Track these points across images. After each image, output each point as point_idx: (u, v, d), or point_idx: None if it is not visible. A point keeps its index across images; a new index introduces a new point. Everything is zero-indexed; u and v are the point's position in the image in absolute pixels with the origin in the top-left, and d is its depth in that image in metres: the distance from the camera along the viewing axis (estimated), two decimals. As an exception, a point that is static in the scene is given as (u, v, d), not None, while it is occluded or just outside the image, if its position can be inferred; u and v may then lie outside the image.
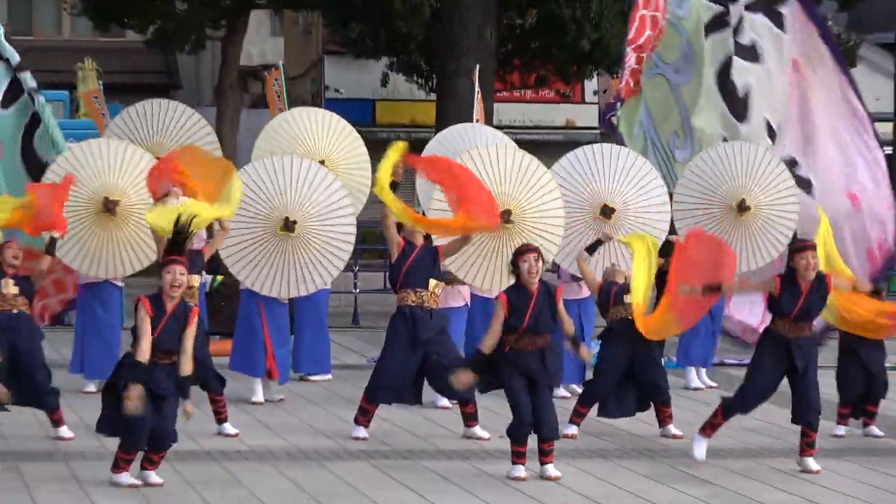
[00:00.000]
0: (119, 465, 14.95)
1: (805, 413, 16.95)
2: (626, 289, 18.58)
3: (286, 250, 19.48)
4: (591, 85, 53.75)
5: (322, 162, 21.34)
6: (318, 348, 22.05)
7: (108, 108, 29.82)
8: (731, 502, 15.21)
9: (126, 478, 14.93)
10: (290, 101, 27.36)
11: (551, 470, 15.85)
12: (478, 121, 26.90)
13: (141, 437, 14.73)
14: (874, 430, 18.76)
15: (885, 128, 43.97)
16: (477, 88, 28.31)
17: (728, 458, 17.48)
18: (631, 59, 24.70)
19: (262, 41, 55.68)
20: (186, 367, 14.94)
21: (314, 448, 17.56)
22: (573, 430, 18.55)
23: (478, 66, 31.41)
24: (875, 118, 34.65)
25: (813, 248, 17.83)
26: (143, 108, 22.96)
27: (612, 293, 18.73)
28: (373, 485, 15.54)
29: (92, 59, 46.22)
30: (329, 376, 22.15)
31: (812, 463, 16.68)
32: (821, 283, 17.50)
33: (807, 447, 16.79)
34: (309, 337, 21.66)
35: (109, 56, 52.23)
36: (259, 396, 20.25)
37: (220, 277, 23.09)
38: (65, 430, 17.70)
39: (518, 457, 16.19)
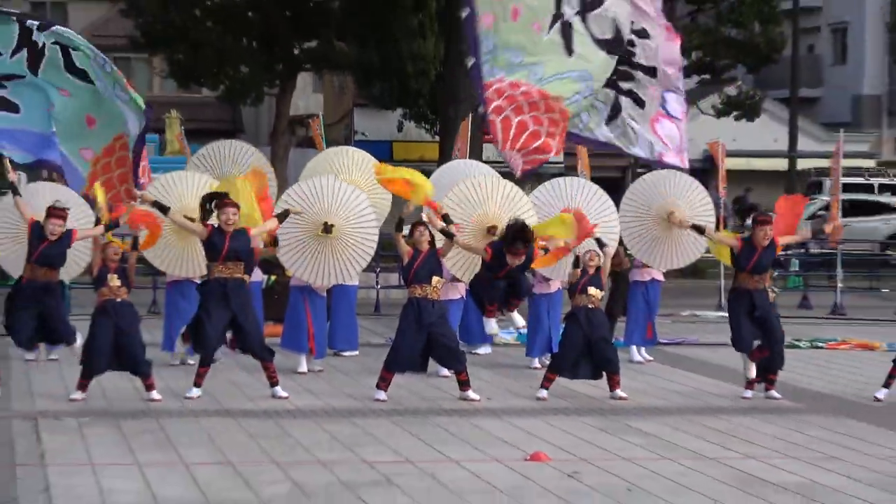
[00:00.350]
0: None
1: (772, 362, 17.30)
2: (590, 281, 18.68)
3: (325, 248, 19.61)
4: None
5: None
6: (348, 330, 22.08)
7: (189, 148, 29.81)
8: (664, 448, 15.22)
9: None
10: (328, 142, 27.34)
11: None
12: (457, 155, 27.14)
13: None
14: (773, 394, 18.72)
15: (783, 164, 43.94)
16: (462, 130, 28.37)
17: (663, 415, 17.49)
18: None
19: (306, 96, 55.41)
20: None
21: (345, 407, 17.67)
22: (544, 393, 18.63)
23: (470, 114, 31.37)
24: (772, 155, 34.53)
25: (770, 222, 18.80)
26: (217, 147, 23.10)
27: (579, 284, 18.78)
28: (391, 436, 15.68)
29: (176, 110, 46.14)
30: (357, 352, 22.10)
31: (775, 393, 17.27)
32: (770, 246, 18.50)
33: (770, 384, 17.39)
34: (341, 321, 21.69)
35: (188, 108, 52.06)
36: (303, 367, 20.30)
37: (273, 277, 23.09)
38: (155, 394, 17.77)
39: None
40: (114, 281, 17.96)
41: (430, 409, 17.09)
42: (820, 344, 24.71)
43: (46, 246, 18.40)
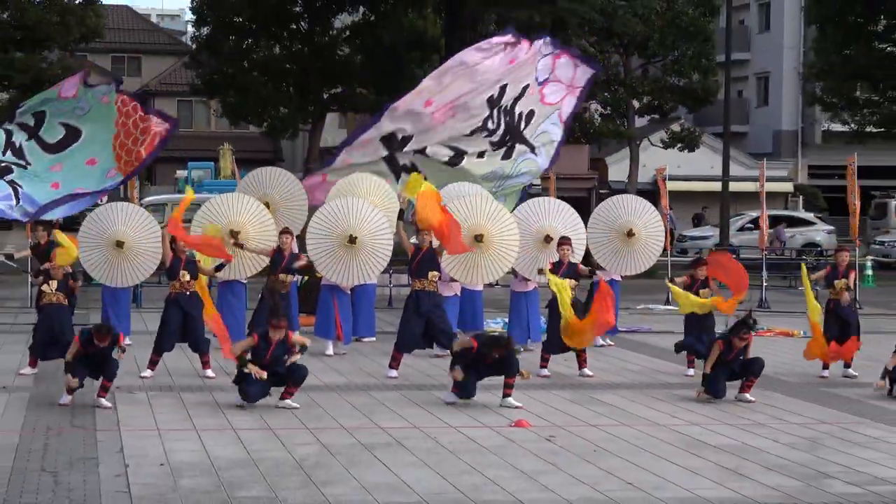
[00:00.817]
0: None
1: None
2: (565, 274, 18.52)
3: (350, 256, 19.52)
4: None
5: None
6: (368, 320, 21.92)
7: (240, 173, 29.72)
8: (623, 416, 15.16)
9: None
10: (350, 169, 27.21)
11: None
12: None
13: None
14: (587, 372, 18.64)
15: (717, 186, 43.76)
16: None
17: (622, 389, 17.37)
18: None
19: (333, 131, 55.36)
20: None
21: (364, 383, 17.58)
22: (546, 371, 18.49)
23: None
24: (709, 179, 34.43)
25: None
26: (261, 173, 22.94)
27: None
28: (400, 406, 15.64)
29: (228, 142, 46.03)
30: (374, 338, 21.96)
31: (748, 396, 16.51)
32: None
33: (746, 387, 16.55)
34: (362, 313, 21.55)
35: (238, 141, 52.00)
36: (330, 351, 20.12)
37: (306, 277, 22.97)
38: (210, 372, 17.65)
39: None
40: (185, 276, 17.93)
41: (433, 385, 16.96)
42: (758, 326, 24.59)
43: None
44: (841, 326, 18.95)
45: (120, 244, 19.97)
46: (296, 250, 20.42)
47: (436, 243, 18.60)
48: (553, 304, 18.33)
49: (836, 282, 19.24)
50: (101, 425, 13.92)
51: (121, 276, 20.54)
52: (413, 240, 19.19)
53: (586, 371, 18.50)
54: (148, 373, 17.47)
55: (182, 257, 18.13)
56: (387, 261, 20.83)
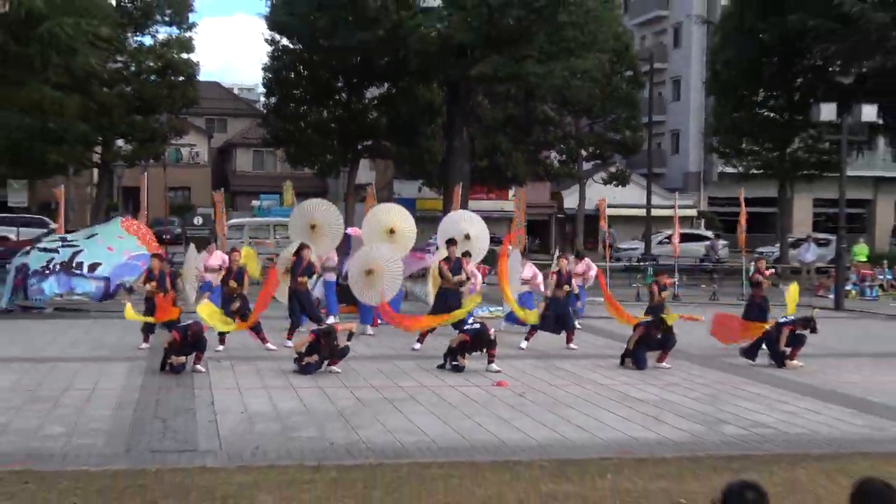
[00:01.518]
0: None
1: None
2: (564, 281, 18.59)
3: (369, 283, 19.25)
4: (511, 193, 53.50)
5: (392, 230, 21.23)
6: (395, 310, 21.64)
7: (297, 202, 29.65)
8: (574, 379, 15.14)
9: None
10: (378, 200, 27.15)
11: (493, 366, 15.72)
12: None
13: None
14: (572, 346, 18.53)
15: (643, 212, 43.73)
16: (454, 193, 28.27)
17: (573, 359, 17.31)
18: None
19: (365, 172, 55.37)
20: None
21: (388, 354, 17.56)
22: (525, 344, 18.36)
23: (461, 183, 31.31)
24: (636, 206, 34.42)
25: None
26: (311, 202, 22.83)
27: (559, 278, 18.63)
28: (414, 371, 15.62)
29: (290, 181, 46.08)
30: None
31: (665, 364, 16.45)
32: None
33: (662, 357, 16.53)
34: (392, 305, 21.12)
35: (297, 180, 52.01)
36: (370, 331, 20.03)
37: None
38: (270, 345, 17.58)
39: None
40: (233, 284, 17.89)
41: (438, 356, 16.87)
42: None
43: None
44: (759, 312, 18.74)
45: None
46: (314, 260, 20.20)
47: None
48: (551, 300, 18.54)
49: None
50: (198, 385, 13.92)
51: None
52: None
53: (572, 346, 18.42)
54: (220, 347, 17.31)
55: (233, 268, 18.29)
56: (398, 287, 20.05)
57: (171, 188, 60.09)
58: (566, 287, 18.67)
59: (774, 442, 11.09)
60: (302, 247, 19.16)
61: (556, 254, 22.49)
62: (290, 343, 17.39)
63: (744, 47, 40.11)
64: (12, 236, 39.18)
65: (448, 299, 18.76)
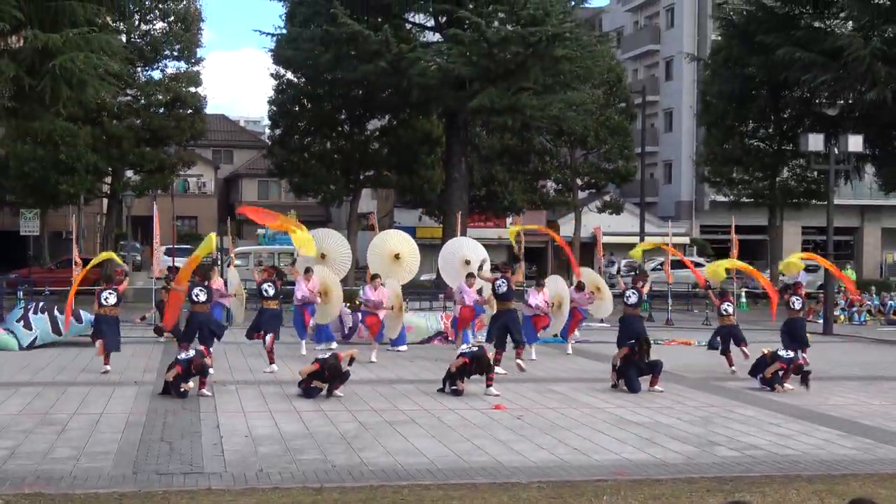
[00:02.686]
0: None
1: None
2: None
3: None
4: (508, 221, 53.50)
5: (397, 255, 21.23)
6: (402, 334, 21.49)
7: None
8: (569, 402, 15.08)
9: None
10: (380, 228, 27.15)
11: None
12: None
13: None
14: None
15: (636, 239, 43.68)
16: (459, 220, 28.27)
17: (568, 382, 17.27)
18: None
19: (367, 200, 55.37)
20: None
21: (389, 378, 17.48)
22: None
23: (460, 212, 31.34)
24: (630, 234, 34.41)
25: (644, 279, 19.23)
26: (319, 231, 22.92)
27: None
28: (413, 395, 15.54)
29: (294, 209, 46.08)
30: (405, 348, 21.56)
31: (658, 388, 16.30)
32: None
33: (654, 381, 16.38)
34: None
35: (302, 208, 52.13)
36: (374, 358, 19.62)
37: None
38: (274, 367, 17.55)
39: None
40: (269, 293, 18.07)
41: (437, 380, 16.80)
42: (660, 341, 24.45)
43: None
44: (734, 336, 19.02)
45: None
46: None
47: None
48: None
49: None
50: (203, 408, 13.87)
51: None
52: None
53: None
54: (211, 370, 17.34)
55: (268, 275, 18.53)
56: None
57: (178, 217, 60.11)
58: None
59: (766, 464, 11.03)
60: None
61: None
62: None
63: (733, 81, 40.23)
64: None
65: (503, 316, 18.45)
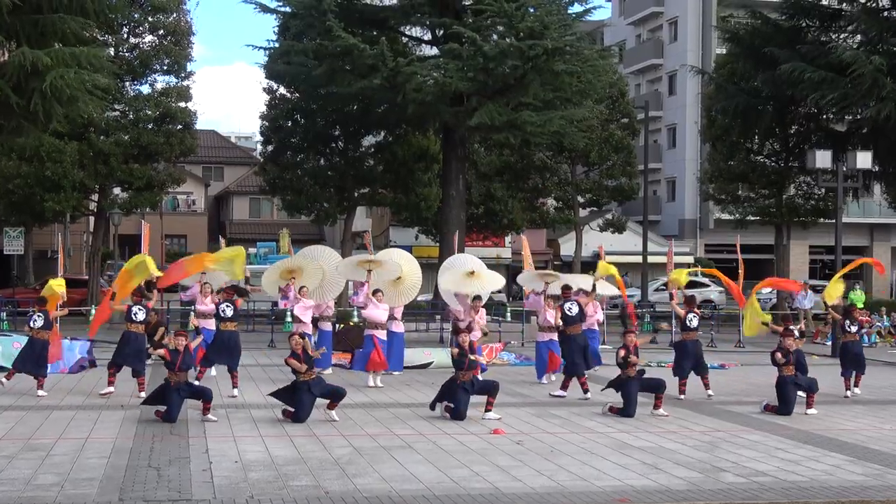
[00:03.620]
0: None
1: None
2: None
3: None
4: (507, 240, 53.58)
5: (398, 276, 21.21)
6: (398, 359, 21.28)
7: (293, 249, 29.59)
8: (571, 426, 15.07)
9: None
10: (375, 248, 27.09)
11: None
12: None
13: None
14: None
15: (639, 258, 43.77)
16: (455, 240, 28.23)
17: (569, 406, 17.24)
18: None
19: (362, 219, 55.36)
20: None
21: (384, 402, 17.44)
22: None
23: (457, 231, 31.36)
24: (633, 254, 34.41)
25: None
26: (315, 248, 22.93)
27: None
28: (409, 419, 15.51)
29: (286, 228, 46.10)
30: (401, 372, 21.44)
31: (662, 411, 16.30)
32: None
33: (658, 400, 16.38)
34: (394, 353, 20.76)
35: (294, 226, 52.15)
36: (371, 383, 19.53)
37: (341, 325, 22.83)
38: (235, 392, 17.63)
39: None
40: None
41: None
42: (663, 364, 24.41)
43: None
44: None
45: None
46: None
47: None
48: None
49: None
50: (192, 433, 13.84)
51: None
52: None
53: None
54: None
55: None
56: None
57: (167, 236, 60.12)
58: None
59: (774, 490, 11.02)
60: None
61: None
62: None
63: (738, 95, 40.38)
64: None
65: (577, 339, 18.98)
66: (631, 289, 49.58)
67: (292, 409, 15.02)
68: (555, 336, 20.14)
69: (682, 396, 18.23)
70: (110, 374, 17.72)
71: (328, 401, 15.09)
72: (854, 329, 19.78)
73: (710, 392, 18.59)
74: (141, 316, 17.60)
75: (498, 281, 22.06)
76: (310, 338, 20.11)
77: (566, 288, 20.45)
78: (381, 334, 19.74)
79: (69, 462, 11.73)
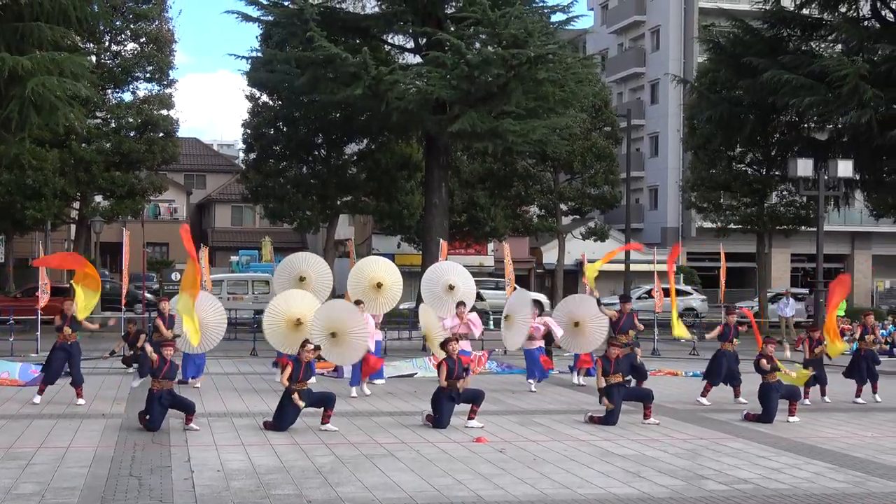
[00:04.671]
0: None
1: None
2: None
3: (335, 345, 18.32)
4: (490, 248, 53.59)
5: (379, 284, 21.13)
6: (378, 370, 21.22)
7: (275, 257, 29.57)
8: (553, 434, 15.07)
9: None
10: (358, 256, 27.08)
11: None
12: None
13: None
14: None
15: (622, 267, 43.86)
16: (442, 247, 28.23)
17: (551, 415, 17.26)
18: None
19: (344, 227, 55.37)
20: None
21: (367, 411, 17.41)
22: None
23: (441, 240, 31.35)
24: (615, 262, 34.30)
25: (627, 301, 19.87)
26: (300, 255, 22.83)
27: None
28: (392, 427, 15.46)
29: (268, 236, 46.00)
30: (384, 381, 21.36)
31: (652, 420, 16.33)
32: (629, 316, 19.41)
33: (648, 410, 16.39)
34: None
35: (276, 234, 52.04)
36: (354, 394, 19.19)
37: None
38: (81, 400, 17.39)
39: None
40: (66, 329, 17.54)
41: (417, 411, 16.79)
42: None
43: None
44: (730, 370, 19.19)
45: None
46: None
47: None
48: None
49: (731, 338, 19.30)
50: (174, 442, 13.80)
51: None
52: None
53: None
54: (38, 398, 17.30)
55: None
56: (364, 349, 18.86)
57: (149, 244, 59.92)
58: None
59: (755, 498, 11.05)
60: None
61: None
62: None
63: (720, 104, 40.56)
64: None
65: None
66: (612, 297, 49.78)
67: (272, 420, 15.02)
68: (542, 343, 20.68)
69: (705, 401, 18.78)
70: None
71: (321, 415, 15.05)
72: (870, 338, 20.24)
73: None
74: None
75: (472, 295, 22.03)
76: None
77: (625, 299, 20.66)
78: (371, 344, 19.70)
79: (50, 471, 11.67)
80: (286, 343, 18.95)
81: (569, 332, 20.65)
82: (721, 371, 18.89)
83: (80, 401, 17.32)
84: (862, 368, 19.98)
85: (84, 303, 17.75)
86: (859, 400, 19.71)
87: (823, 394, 19.62)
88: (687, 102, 47.89)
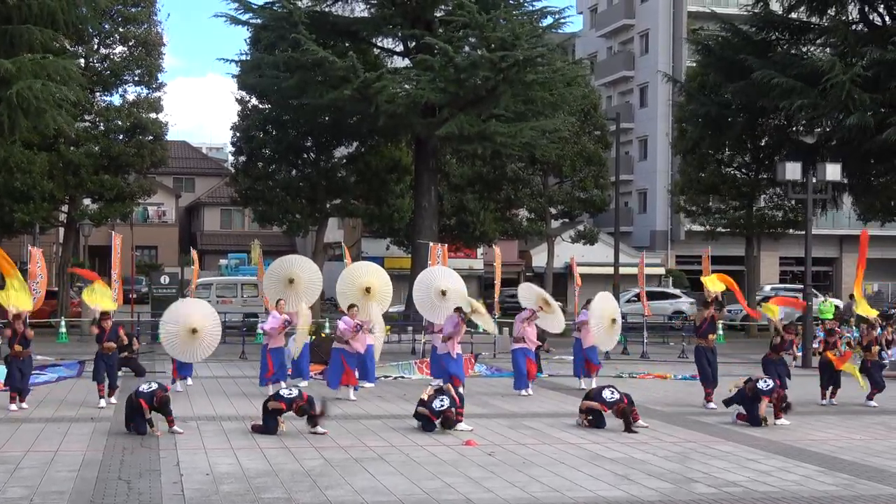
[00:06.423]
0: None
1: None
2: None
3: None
4: (479, 251, 53.57)
5: (368, 289, 21.08)
6: (371, 371, 21.13)
7: (264, 261, 29.50)
8: (543, 437, 15.08)
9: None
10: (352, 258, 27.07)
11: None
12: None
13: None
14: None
15: (611, 270, 43.90)
16: (432, 250, 28.21)
17: (541, 418, 17.26)
18: None
19: (334, 230, 55.31)
20: None
21: (356, 414, 17.40)
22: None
23: (430, 243, 31.34)
24: (604, 265, 34.66)
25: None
26: (289, 258, 22.67)
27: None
28: (382, 431, 15.45)
29: (257, 239, 45.91)
30: (373, 384, 21.29)
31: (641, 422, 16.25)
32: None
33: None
34: (367, 365, 20.79)
35: (265, 238, 51.95)
36: (353, 396, 19.27)
37: (313, 337, 22.68)
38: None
39: None
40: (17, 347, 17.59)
41: (406, 414, 16.76)
42: (635, 375, 24.57)
43: None
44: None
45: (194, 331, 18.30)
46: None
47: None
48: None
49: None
50: (163, 445, 13.78)
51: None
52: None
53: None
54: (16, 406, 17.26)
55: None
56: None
57: (138, 247, 59.80)
58: None
59: (745, 501, 11.07)
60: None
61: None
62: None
63: (709, 106, 40.63)
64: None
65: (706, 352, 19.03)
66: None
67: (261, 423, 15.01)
68: (527, 344, 20.48)
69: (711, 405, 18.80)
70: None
71: (311, 420, 15.02)
72: (876, 349, 20.79)
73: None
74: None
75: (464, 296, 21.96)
76: (287, 352, 20.19)
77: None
78: (349, 348, 19.53)
79: (38, 475, 11.64)
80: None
81: (606, 330, 20.79)
82: (706, 370, 18.90)
83: (13, 406, 17.18)
84: (873, 374, 20.32)
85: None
86: (872, 403, 20.00)
87: (833, 395, 19.99)
88: (676, 104, 47.95)
